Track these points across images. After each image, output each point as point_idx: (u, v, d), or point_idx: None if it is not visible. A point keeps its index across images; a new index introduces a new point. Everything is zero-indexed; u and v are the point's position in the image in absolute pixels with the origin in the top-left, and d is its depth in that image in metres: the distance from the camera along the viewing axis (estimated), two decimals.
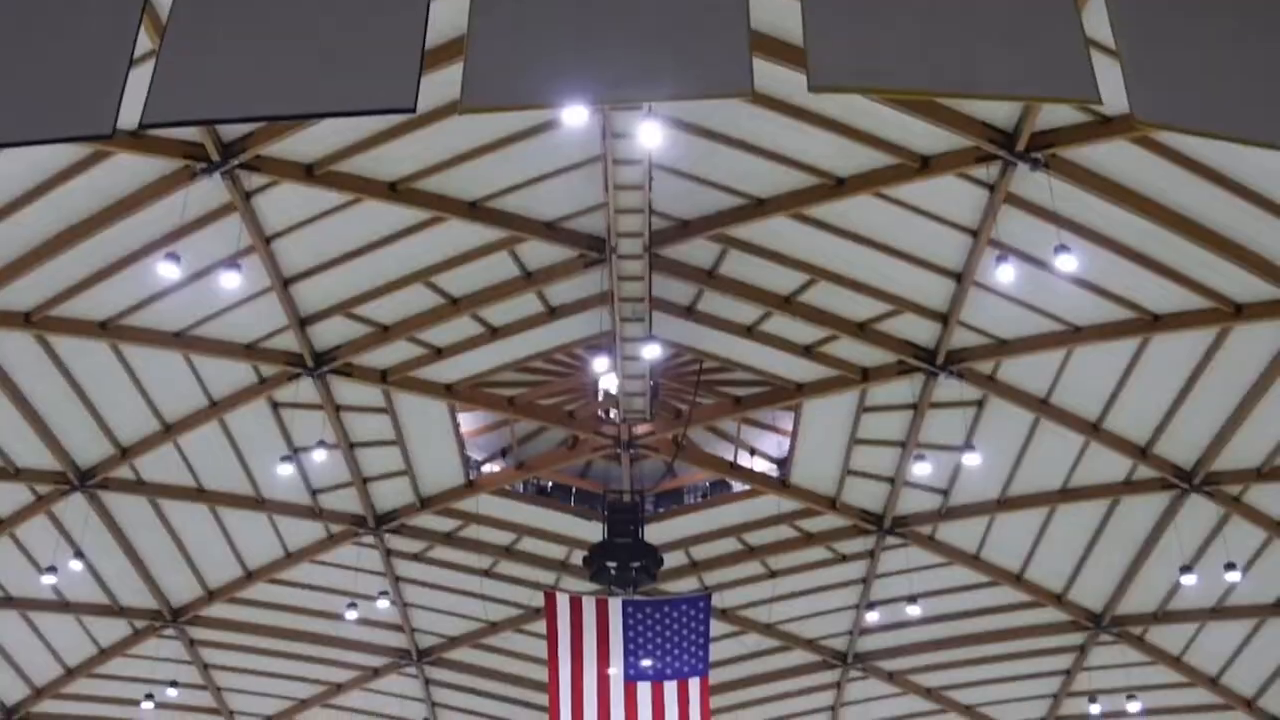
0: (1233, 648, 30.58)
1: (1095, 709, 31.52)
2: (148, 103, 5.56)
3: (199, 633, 32.27)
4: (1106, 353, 23.36)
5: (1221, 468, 25.31)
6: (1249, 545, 27.00)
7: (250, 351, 24.35)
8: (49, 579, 28.00)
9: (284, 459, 25.78)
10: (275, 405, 25.87)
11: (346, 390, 25.66)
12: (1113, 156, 19.18)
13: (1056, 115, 18.56)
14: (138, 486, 27.57)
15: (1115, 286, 21.80)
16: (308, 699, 34.73)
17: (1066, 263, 19.79)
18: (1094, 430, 25.13)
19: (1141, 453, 25.37)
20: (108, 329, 23.24)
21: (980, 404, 25.21)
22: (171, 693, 32.42)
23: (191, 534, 29.20)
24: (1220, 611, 29.41)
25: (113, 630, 32.04)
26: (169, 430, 26.08)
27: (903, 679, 33.15)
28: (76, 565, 27.78)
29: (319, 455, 25.66)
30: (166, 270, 20.06)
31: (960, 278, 22.22)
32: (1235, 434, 24.27)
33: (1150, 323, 22.32)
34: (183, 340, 23.79)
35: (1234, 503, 26.04)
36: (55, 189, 19.79)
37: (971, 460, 24.87)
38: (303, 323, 23.75)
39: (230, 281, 21.08)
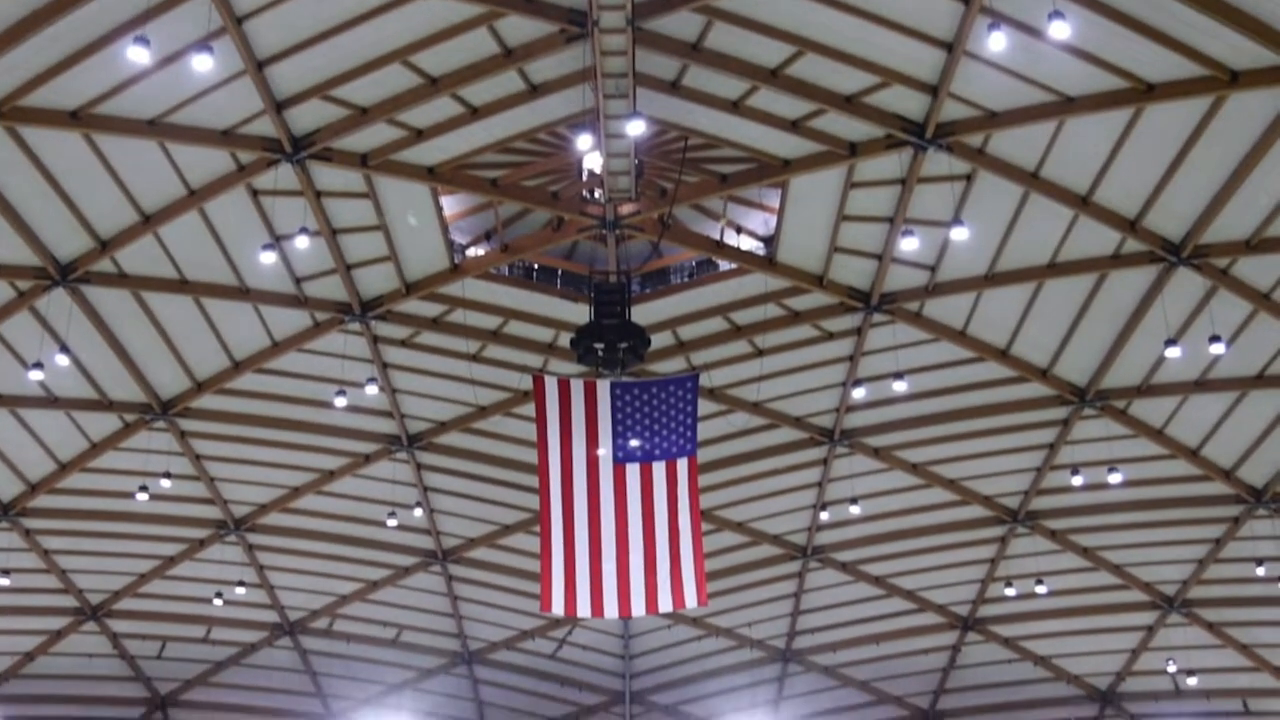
0: (1214, 420, 30.94)
1: (1077, 481, 31.99)
2: None
3: (189, 424, 32.38)
4: (1098, 124, 23.01)
5: (1211, 240, 25.20)
6: (1234, 318, 27.07)
7: (227, 138, 23.86)
8: (36, 375, 27.94)
9: (266, 247, 25.47)
10: (255, 193, 25.49)
11: (327, 175, 25.26)
12: None
13: None
14: (119, 280, 27.33)
15: (1109, 54, 21.33)
16: (300, 487, 35.09)
17: (1060, 29, 19.27)
18: (1083, 204, 24.93)
19: (1131, 226, 25.21)
20: (79, 118, 22.71)
21: (969, 178, 24.92)
22: (165, 484, 32.62)
23: (176, 326, 29.08)
24: (1203, 384, 29.65)
25: (103, 424, 32.15)
26: (148, 221, 25.73)
27: (888, 455, 33.56)
28: (63, 360, 27.66)
29: (301, 243, 25.40)
30: (136, 55, 19.44)
31: (951, 47, 21.72)
32: (1226, 206, 24.11)
33: (1144, 92, 21.93)
34: (157, 128, 23.28)
35: (1221, 275, 26.01)
36: None
37: (959, 235, 24.68)
38: (279, 106, 23.23)
39: (203, 65, 20.54)
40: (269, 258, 25.71)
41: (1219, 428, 31.05)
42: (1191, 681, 40.46)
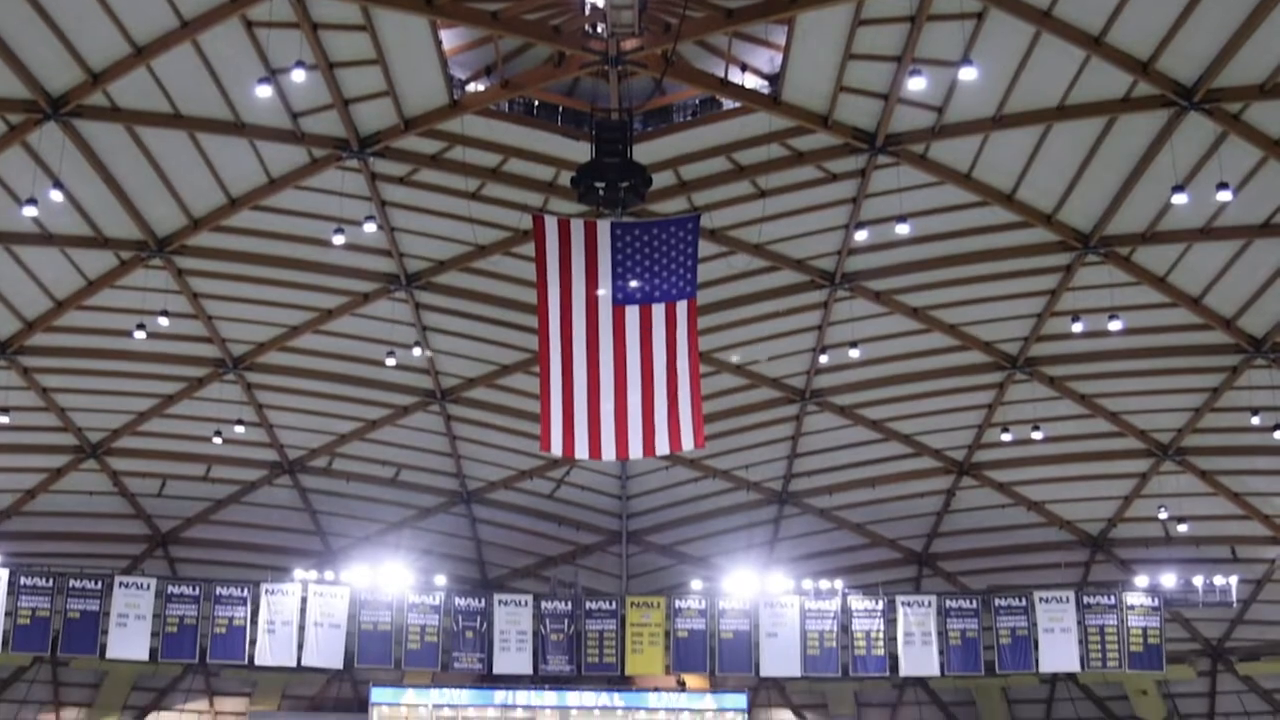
0: (1217, 269, 30.77)
1: (1077, 328, 31.92)
2: None
3: (186, 262, 32.15)
4: None
5: (1224, 84, 24.73)
6: (1243, 165, 26.69)
7: None
8: (30, 211, 27.54)
9: (262, 81, 24.95)
10: (249, 24, 24.89)
11: (323, 7, 24.65)
12: None
13: None
14: (113, 114, 26.85)
15: None
16: (298, 326, 35.01)
17: None
18: (1095, 44, 24.39)
19: (1143, 68, 24.71)
20: None
21: (980, 16, 24.31)
22: (162, 322, 32.47)
23: (171, 161, 28.67)
24: (1209, 232, 29.37)
25: (99, 262, 31.92)
26: (140, 53, 25.16)
27: (889, 298, 33.45)
28: (57, 196, 27.27)
29: (298, 76, 24.89)
30: None
31: None
32: (1241, 48, 23.59)
33: None
34: None
35: (1233, 121, 25.56)
36: None
37: (968, 76, 24.11)
38: None
39: None
40: (264, 92, 25.21)
41: (1222, 276, 30.90)
42: (1182, 529, 40.94)
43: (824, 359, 35.34)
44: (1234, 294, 31.54)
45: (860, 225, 29.91)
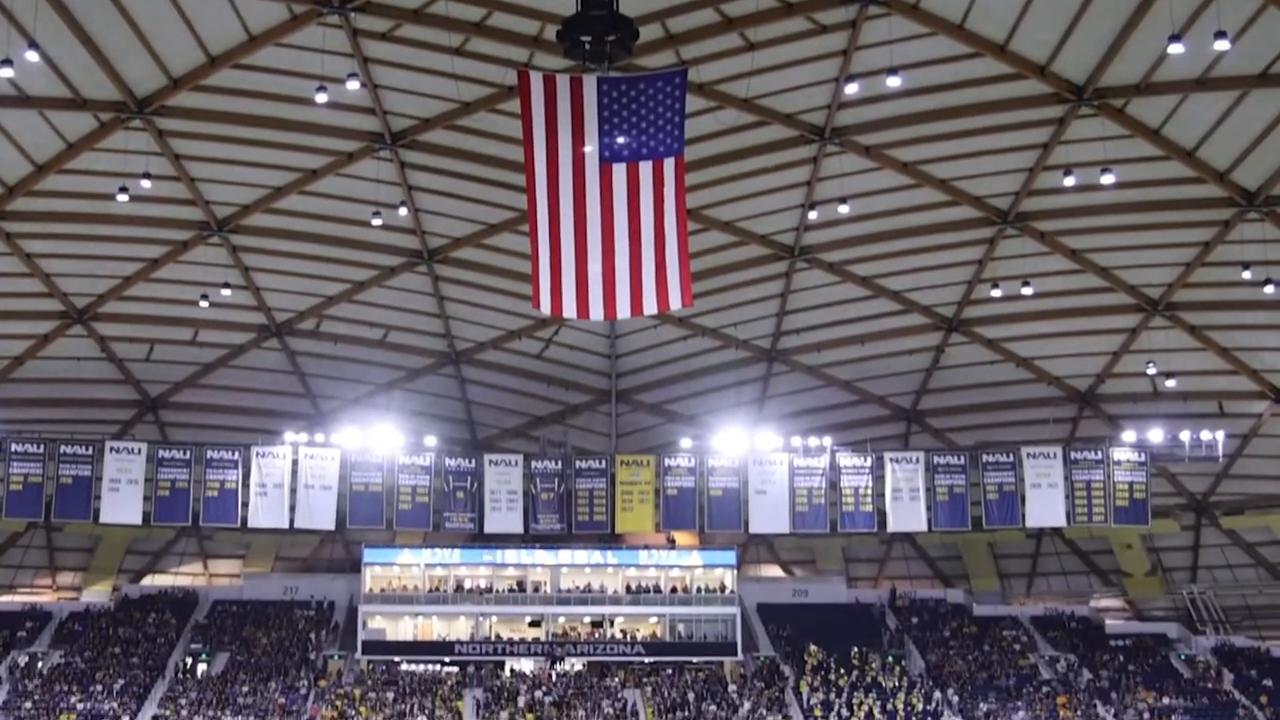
0: (1212, 121, 30.41)
1: (1069, 181, 31.59)
2: None
3: (167, 123, 31.64)
4: None
5: None
6: (1243, 12, 26.13)
7: None
8: (5, 72, 26.75)
9: None
10: None
11: None
12: None
13: None
14: None
15: None
16: (282, 187, 34.62)
17: None
18: None
19: None
20: None
21: None
22: (145, 185, 31.99)
23: (148, 18, 27.98)
24: (1204, 83, 28.96)
25: (78, 124, 31.40)
26: None
27: (879, 153, 33.10)
28: (32, 57, 26.59)
29: None
30: None
31: None
32: None
33: None
34: None
35: None
36: None
37: None
38: None
39: None
40: None
41: (1217, 129, 30.57)
42: (1170, 384, 41.17)
43: (813, 215, 35.11)
44: (1229, 147, 31.23)
45: (851, 78, 29.41)
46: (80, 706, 39.70)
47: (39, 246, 36.26)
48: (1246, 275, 34.44)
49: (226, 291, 37.80)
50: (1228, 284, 36.28)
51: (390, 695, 41.39)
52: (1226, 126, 30.40)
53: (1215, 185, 32.37)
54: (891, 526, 41.47)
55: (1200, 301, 37.92)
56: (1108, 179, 31.12)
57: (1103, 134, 30.98)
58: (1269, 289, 34.26)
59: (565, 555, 45.85)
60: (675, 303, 23.57)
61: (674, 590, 45.75)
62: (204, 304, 38.27)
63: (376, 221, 34.31)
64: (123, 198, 32.15)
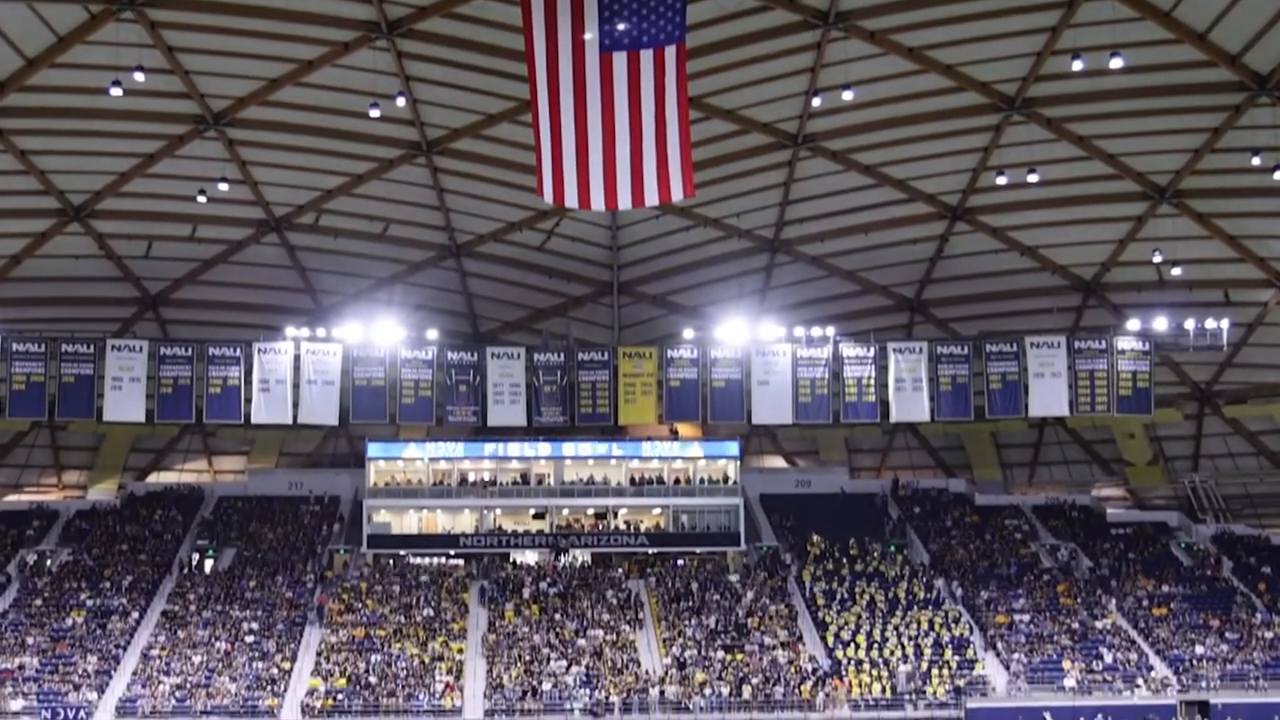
0: (1225, 2, 29.83)
1: (1077, 66, 30.97)
2: None
3: (159, 14, 31.01)
4: None
5: None
6: None
7: None
8: None
9: None
10: None
11: None
12: None
13: None
14: None
15: None
16: (278, 78, 34.01)
17: None
18: None
19: None
20: None
21: None
22: (138, 78, 31.39)
23: None
24: None
25: (68, 16, 30.80)
26: None
27: (884, 38, 32.48)
28: None
29: None
30: None
31: None
32: None
33: None
34: None
35: None
36: None
37: None
38: None
39: None
40: None
41: (1230, 10, 29.99)
42: (1176, 272, 40.88)
43: (817, 102, 34.56)
44: (1241, 29, 30.68)
45: None
46: (90, 603, 40.01)
47: (33, 143, 35.81)
48: (1256, 161, 33.99)
49: (224, 186, 37.36)
50: (1237, 170, 35.89)
51: (396, 588, 41.69)
52: (1239, 8, 29.85)
53: (1226, 69, 31.85)
54: (894, 417, 41.41)
55: (1209, 188, 37.54)
56: (1117, 63, 30.60)
57: (1113, 16, 30.36)
58: (1279, 175, 33.88)
59: (568, 448, 45.94)
60: (677, 193, 23.29)
61: (677, 481, 45.94)
62: (201, 199, 37.86)
63: (374, 113, 33.73)
64: (116, 91, 31.61)
